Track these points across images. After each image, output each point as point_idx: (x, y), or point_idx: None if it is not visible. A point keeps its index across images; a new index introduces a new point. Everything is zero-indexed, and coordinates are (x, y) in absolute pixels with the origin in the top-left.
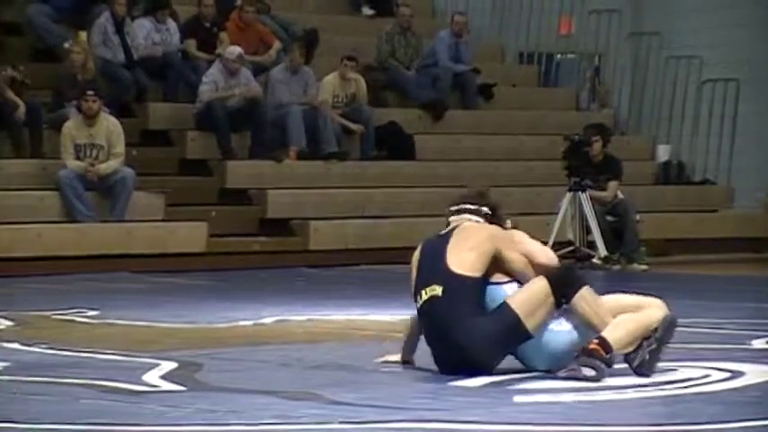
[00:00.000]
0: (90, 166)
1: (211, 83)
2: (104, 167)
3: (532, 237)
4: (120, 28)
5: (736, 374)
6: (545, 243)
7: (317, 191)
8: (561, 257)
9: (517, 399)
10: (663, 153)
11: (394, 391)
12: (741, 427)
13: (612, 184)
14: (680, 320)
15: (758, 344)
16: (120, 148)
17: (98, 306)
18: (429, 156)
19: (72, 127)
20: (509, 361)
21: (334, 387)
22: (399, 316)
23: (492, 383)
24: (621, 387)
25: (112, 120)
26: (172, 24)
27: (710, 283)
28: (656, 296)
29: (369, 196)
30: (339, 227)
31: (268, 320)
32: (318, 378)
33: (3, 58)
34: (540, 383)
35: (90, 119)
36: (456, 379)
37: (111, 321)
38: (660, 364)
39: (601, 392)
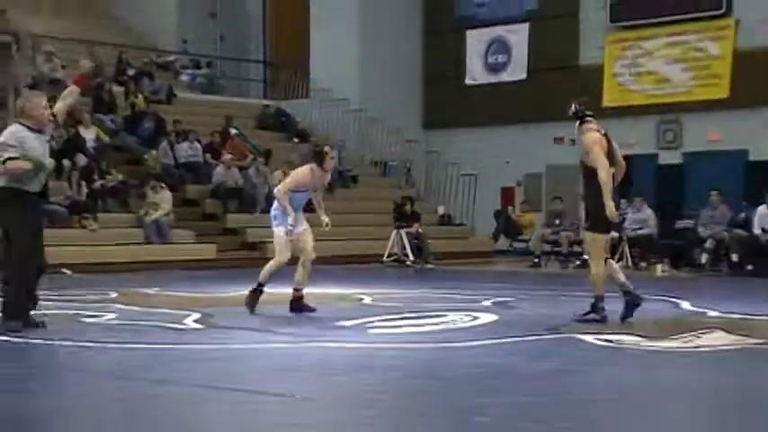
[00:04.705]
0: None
1: (219, 173)
2: (152, 217)
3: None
4: (172, 147)
5: (476, 318)
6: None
7: None
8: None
9: (371, 331)
10: (440, 210)
11: (307, 328)
12: (480, 345)
13: (415, 225)
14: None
15: (486, 303)
16: (166, 207)
17: (159, 285)
18: None
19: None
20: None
21: (286, 326)
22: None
23: (358, 324)
24: (422, 323)
25: (166, 192)
26: (197, 146)
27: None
28: None
29: None
30: None
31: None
32: (279, 320)
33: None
34: (387, 323)
35: (156, 194)
36: (340, 320)
37: (166, 293)
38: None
39: (413, 325)
